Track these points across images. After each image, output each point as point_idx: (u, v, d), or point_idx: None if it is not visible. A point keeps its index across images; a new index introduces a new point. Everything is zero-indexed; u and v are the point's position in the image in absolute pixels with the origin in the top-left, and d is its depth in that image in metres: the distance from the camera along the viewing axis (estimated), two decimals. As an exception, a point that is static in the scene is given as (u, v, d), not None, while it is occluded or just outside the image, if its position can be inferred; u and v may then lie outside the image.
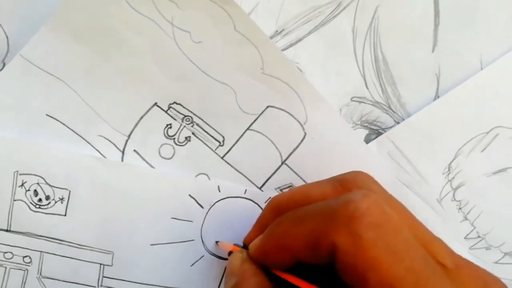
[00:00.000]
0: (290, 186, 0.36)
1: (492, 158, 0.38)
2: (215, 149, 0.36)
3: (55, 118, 0.34)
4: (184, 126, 0.35)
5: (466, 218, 0.38)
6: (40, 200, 0.34)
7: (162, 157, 0.35)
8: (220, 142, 0.36)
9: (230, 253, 0.31)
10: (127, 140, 0.35)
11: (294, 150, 0.36)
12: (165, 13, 0.34)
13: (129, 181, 0.35)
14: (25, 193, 0.34)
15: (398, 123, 0.38)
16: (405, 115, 0.38)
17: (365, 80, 0.38)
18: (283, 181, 0.36)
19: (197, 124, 0.36)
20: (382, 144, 0.38)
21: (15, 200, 0.34)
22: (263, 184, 0.36)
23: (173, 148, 0.36)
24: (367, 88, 0.38)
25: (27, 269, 0.34)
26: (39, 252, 0.34)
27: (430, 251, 0.25)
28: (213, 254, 0.36)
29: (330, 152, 0.36)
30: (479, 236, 0.38)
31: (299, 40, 0.37)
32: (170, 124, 0.35)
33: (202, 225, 0.35)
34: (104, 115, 0.35)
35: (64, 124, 0.35)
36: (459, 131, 0.38)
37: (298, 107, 0.36)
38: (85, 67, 0.34)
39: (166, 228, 0.35)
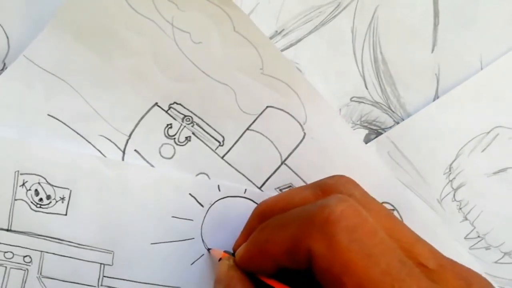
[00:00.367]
0: (290, 186, 0.36)
1: (492, 158, 0.38)
2: (215, 149, 0.36)
3: (56, 118, 0.35)
4: (184, 126, 0.36)
5: (466, 218, 0.38)
6: (41, 199, 0.34)
7: (163, 157, 0.36)
8: (220, 142, 0.36)
9: (220, 260, 0.32)
10: (127, 140, 0.35)
11: (294, 150, 0.36)
12: (165, 14, 0.34)
13: (129, 181, 0.35)
14: (26, 192, 0.34)
15: (397, 123, 0.38)
16: (404, 115, 0.38)
17: (364, 80, 0.38)
18: (282, 181, 0.36)
19: (197, 124, 0.36)
20: (382, 144, 0.38)
21: (15, 200, 0.34)
22: (263, 184, 0.36)
23: (174, 148, 0.36)
24: (367, 88, 0.38)
25: (27, 269, 0.34)
26: (40, 252, 0.34)
27: (411, 253, 0.25)
28: (213, 254, 0.36)
29: (329, 152, 0.36)
30: (479, 236, 0.38)
31: (299, 40, 0.37)
32: (171, 124, 0.36)
33: (202, 224, 0.36)
34: (105, 115, 0.35)
35: (65, 123, 0.35)
36: (459, 131, 0.38)
37: (297, 107, 0.36)
38: (86, 68, 0.34)
39: (167, 227, 0.35)
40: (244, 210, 0.35)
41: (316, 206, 0.25)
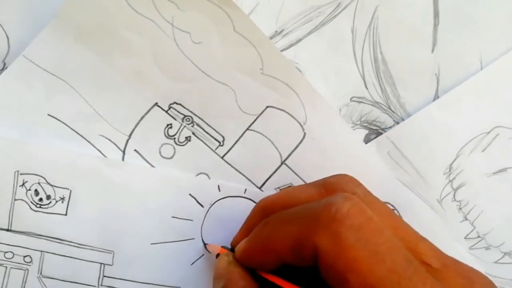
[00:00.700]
0: (290, 186, 0.36)
1: (492, 158, 0.38)
2: (215, 149, 0.36)
3: (56, 118, 0.35)
4: (185, 126, 0.36)
5: (466, 218, 0.38)
6: (40, 199, 0.34)
7: (163, 157, 0.36)
8: (220, 142, 0.36)
9: (218, 255, 0.32)
10: (128, 140, 0.35)
11: (294, 150, 0.36)
12: (165, 14, 0.34)
13: (129, 181, 0.35)
14: (26, 192, 0.34)
15: (397, 123, 0.38)
16: (404, 115, 0.38)
17: (364, 80, 0.38)
18: (282, 181, 0.36)
19: (197, 124, 0.36)
20: (382, 144, 0.38)
21: (15, 200, 0.34)
22: (263, 184, 0.36)
23: (174, 148, 0.36)
24: (367, 88, 0.38)
25: (27, 269, 0.34)
26: (40, 252, 0.34)
27: (415, 252, 0.25)
28: (213, 254, 0.36)
29: (329, 152, 0.36)
30: (479, 236, 0.38)
31: (299, 40, 0.37)
32: (171, 124, 0.36)
33: (202, 224, 0.36)
34: (105, 115, 0.35)
35: (65, 123, 0.35)
36: (459, 131, 0.38)
37: (297, 107, 0.36)
38: (86, 68, 0.34)
39: (167, 227, 0.35)
40: (244, 210, 0.35)
41: (322, 203, 0.25)
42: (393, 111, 0.38)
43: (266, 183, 0.36)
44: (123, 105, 0.35)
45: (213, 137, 0.36)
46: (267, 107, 0.36)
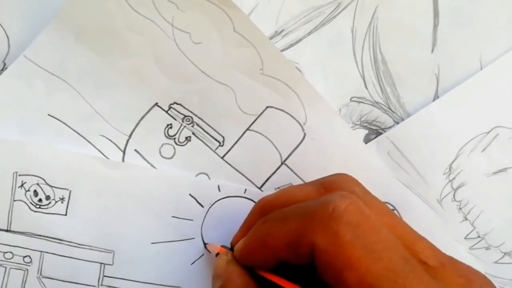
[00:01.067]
0: (289, 185, 0.36)
1: (492, 158, 0.38)
2: (215, 149, 0.36)
3: (56, 118, 0.35)
4: (185, 126, 0.36)
5: (466, 218, 0.38)
6: (40, 200, 0.34)
7: (163, 157, 0.36)
8: (220, 142, 0.36)
9: (217, 254, 0.32)
10: (128, 140, 0.35)
11: (294, 150, 0.36)
12: (165, 14, 0.34)
13: (130, 181, 0.35)
14: (25, 193, 0.34)
15: (397, 123, 0.38)
16: (404, 115, 0.38)
17: (364, 80, 0.38)
18: (282, 181, 0.36)
19: (197, 124, 0.36)
20: (382, 144, 0.38)
21: (14, 201, 0.34)
22: (263, 184, 0.36)
23: (174, 148, 0.36)
24: (367, 88, 0.38)
25: (27, 269, 0.34)
26: (39, 252, 0.34)
27: (412, 250, 0.25)
28: (213, 254, 0.36)
29: (329, 152, 0.36)
30: (479, 236, 0.38)
31: (299, 40, 0.37)
32: (171, 124, 0.36)
33: (202, 224, 0.36)
34: (106, 115, 0.35)
35: (65, 124, 0.35)
36: (459, 131, 0.38)
37: (297, 107, 0.36)
38: (86, 68, 0.34)
39: (167, 226, 0.35)
40: (244, 210, 0.35)
41: (320, 201, 0.25)
42: (393, 111, 0.38)
43: (266, 183, 0.36)
44: (124, 105, 0.35)
45: (213, 137, 0.36)
46: (267, 107, 0.36)
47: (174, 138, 0.36)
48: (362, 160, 0.37)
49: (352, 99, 0.38)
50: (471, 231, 0.38)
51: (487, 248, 0.38)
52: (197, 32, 0.35)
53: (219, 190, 0.36)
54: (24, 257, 0.34)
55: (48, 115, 0.35)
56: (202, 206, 0.36)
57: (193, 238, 0.36)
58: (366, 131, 0.38)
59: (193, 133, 0.36)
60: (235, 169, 0.36)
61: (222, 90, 0.35)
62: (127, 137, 0.35)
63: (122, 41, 0.34)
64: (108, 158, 0.35)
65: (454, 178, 0.38)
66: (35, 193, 0.34)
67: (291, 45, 0.37)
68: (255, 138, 0.36)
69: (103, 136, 0.35)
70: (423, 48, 0.38)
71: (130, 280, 0.35)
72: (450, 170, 0.38)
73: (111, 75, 0.35)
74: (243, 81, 0.35)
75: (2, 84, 0.34)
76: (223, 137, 0.36)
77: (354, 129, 0.38)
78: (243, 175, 0.36)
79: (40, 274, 0.34)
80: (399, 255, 0.23)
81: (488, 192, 0.38)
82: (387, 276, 0.22)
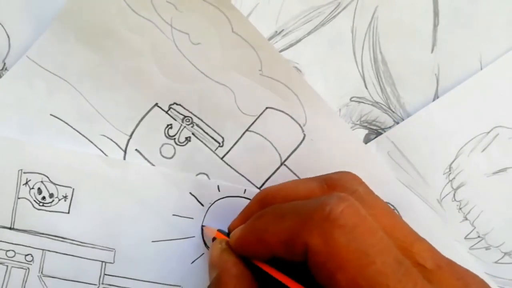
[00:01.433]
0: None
1: (492, 158, 0.38)
2: (215, 150, 0.36)
3: (59, 118, 0.35)
4: (184, 127, 0.36)
5: (466, 218, 0.38)
6: (43, 198, 0.34)
7: (163, 157, 0.36)
8: (219, 143, 0.36)
9: (214, 239, 0.32)
10: (129, 140, 0.36)
11: (294, 151, 0.36)
12: (164, 15, 0.34)
13: (131, 179, 0.35)
14: (29, 191, 0.34)
15: (397, 123, 0.38)
16: (404, 115, 0.38)
17: (364, 80, 0.38)
18: (282, 181, 0.36)
19: (197, 125, 0.36)
20: (382, 144, 0.38)
21: (19, 198, 0.34)
22: (263, 185, 0.36)
23: (174, 148, 0.36)
24: (367, 88, 0.38)
25: (28, 268, 0.34)
26: (41, 251, 0.34)
27: (409, 252, 0.25)
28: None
29: (329, 153, 0.36)
30: (479, 236, 0.38)
31: (299, 40, 0.37)
32: (171, 124, 0.36)
33: (202, 222, 0.36)
34: (107, 115, 0.35)
35: (67, 123, 0.35)
36: (459, 131, 0.38)
37: (297, 108, 0.36)
38: (88, 68, 0.35)
39: (167, 225, 0.35)
40: (244, 210, 0.36)
41: (317, 202, 0.25)
42: (393, 111, 0.38)
43: (266, 183, 0.36)
44: (124, 105, 0.35)
45: (212, 138, 0.36)
46: (266, 108, 0.36)
47: (174, 138, 0.36)
48: (362, 160, 0.37)
49: (352, 99, 0.38)
50: (471, 231, 0.38)
51: (487, 248, 0.38)
52: (196, 32, 0.35)
53: (219, 190, 0.36)
54: (26, 255, 0.34)
55: (50, 115, 0.35)
56: (202, 205, 0.36)
57: (193, 237, 0.36)
58: (366, 131, 0.38)
59: (193, 134, 0.36)
60: (234, 169, 0.36)
61: (221, 91, 0.36)
62: (128, 137, 0.36)
63: (122, 42, 0.35)
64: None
65: (454, 178, 0.38)
66: (39, 191, 0.34)
67: (291, 45, 0.37)
68: (255, 139, 0.36)
69: (104, 135, 0.35)
70: (423, 48, 0.38)
71: (131, 279, 0.35)
72: (450, 170, 0.38)
73: (112, 75, 0.35)
74: (242, 82, 0.36)
75: (4, 84, 0.34)
76: (222, 138, 0.36)
77: (354, 129, 0.38)
78: (242, 175, 0.36)
79: (41, 273, 0.34)
80: (392, 258, 0.23)
81: (488, 192, 0.38)
82: (379, 280, 0.22)
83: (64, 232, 0.35)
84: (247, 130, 0.36)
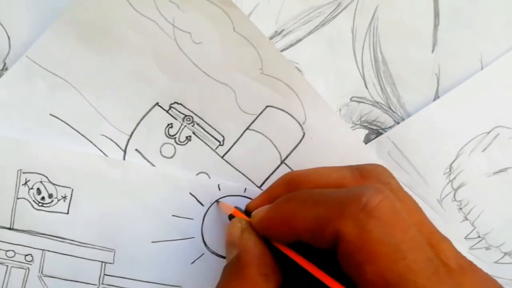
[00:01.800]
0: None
1: (492, 158, 0.38)
2: (215, 149, 0.36)
3: (58, 118, 0.35)
4: (185, 126, 0.36)
5: (466, 218, 0.38)
6: (43, 198, 0.34)
7: (163, 156, 0.36)
8: (220, 142, 0.36)
9: (230, 216, 0.31)
10: (129, 139, 0.36)
11: (293, 149, 0.36)
12: (166, 14, 0.34)
13: (130, 180, 0.35)
14: (28, 191, 0.34)
15: (398, 123, 0.38)
16: (405, 115, 0.38)
17: (364, 80, 0.38)
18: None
19: (198, 124, 0.36)
20: (382, 144, 0.38)
21: (18, 198, 0.34)
22: (263, 183, 0.36)
23: (174, 147, 0.36)
24: (367, 88, 0.38)
25: (28, 268, 0.34)
26: (41, 251, 0.34)
27: (436, 250, 0.25)
28: (213, 252, 0.36)
29: (329, 152, 0.36)
30: (479, 236, 0.38)
31: (299, 40, 0.37)
32: (171, 123, 0.36)
33: (202, 223, 0.36)
34: (107, 115, 0.35)
35: (67, 123, 0.35)
36: (459, 131, 0.38)
37: (297, 107, 0.36)
38: (88, 68, 0.35)
39: (167, 225, 0.35)
40: (244, 209, 0.36)
41: (354, 192, 0.25)
42: (393, 111, 0.38)
43: (266, 182, 0.36)
44: (124, 105, 0.35)
45: (213, 136, 0.36)
46: (266, 106, 0.36)
47: (175, 138, 0.36)
48: (362, 160, 0.36)
49: (352, 99, 0.38)
50: (471, 231, 0.38)
51: (487, 248, 0.38)
52: (197, 32, 0.35)
53: (219, 189, 0.36)
54: (26, 255, 0.34)
55: (50, 115, 0.35)
56: (202, 205, 0.36)
57: (193, 237, 0.36)
58: (366, 131, 0.38)
59: (193, 133, 0.36)
60: (235, 168, 0.36)
61: (222, 90, 0.36)
62: (128, 137, 0.35)
63: (123, 41, 0.35)
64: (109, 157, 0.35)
65: (454, 178, 0.38)
66: (38, 191, 0.34)
67: (291, 45, 0.37)
68: (255, 138, 0.36)
69: (104, 135, 0.35)
70: (423, 48, 0.38)
71: (131, 279, 0.35)
72: (450, 170, 0.38)
73: (113, 75, 0.35)
74: (243, 81, 0.36)
75: (4, 84, 0.34)
76: (223, 137, 0.36)
77: (354, 129, 0.38)
78: (243, 174, 0.36)
79: (41, 272, 0.34)
80: (424, 256, 0.23)
81: (489, 192, 0.38)
82: (407, 276, 0.22)
83: (63, 233, 0.34)
84: (247, 128, 0.36)
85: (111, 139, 0.35)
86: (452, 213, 0.38)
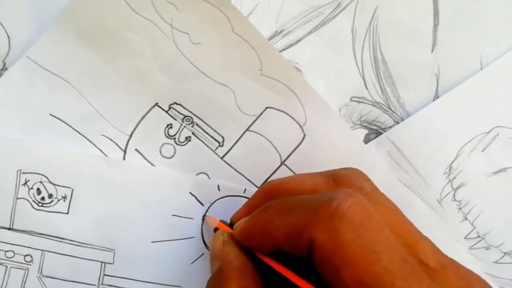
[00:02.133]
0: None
1: (492, 158, 0.38)
2: (215, 150, 0.36)
3: (58, 118, 0.35)
4: (185, 126, 0.36)
5: (466, 218, 0.38)
6: (43, 198, 0.34)
7: (163, 156, 0.36)
8: (219, 143, 0.36)
9: (215, 229, 0.32)
10: (128, 140, 0.36)
11: (293, 151, 0.36)
12: (164, 15, 0.34)
13: (130, 180, 0.35)
14: (28, 191, 0.34)
15: (397, 123, 0.38)
16: (404, 115, 0.38)
17: (364, 80, 0.38)
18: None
19: (197, 125, 0.36)
20: (382, 144, 0.38)
21: (18, 199, 0.34)
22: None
23: (174, 147, 0.36)
24: (367, 88, 0.38)
25: (27, 268, 0.34)
26: (41, 251, 0.34)
27: (414, 250, 0.25)
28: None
29: (329, 152, 0.36)
30: (479, 236, 0.38)
31: (299, 40, 0.37)
32: (171, 124, 0.36)
33: (202, 223, 0.36)
34: (107, 115, 0.35)
35: (67, 123, 0.35)
36: (459, 131, 0.38)
37: (297, 108, 0.36)
38: (88, 68, 0.35)
39: (167, 225, 0.35)
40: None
41: (325, 197, 0.25)
42: (393, 111, 0.38)
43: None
44: (124, 105, 0.35)
45: (213, 137, 0.36)
46: (266, 108, 0.36)
47: (174, 138, 0.36)
48: (362, 160, 0.37)
49: (352, 99, 0.38)
50: (471, 231, 0.38)
51: (487, 248, 0.38)
52: (196, 32, 0.35)
53: (219, 190, 0.36)
54: (25, 256, 0.34)
55: (50, 114, 0.35)
56: (202, 205, 0.36)
57: (193, 237, 0.36)
58: (366, 131, 0.38)
59: (193, 133, 0.36)
60: (234, 169, 0.36)
61: (221, 91, 0.36)
62: (128, 137, 0.35)
63: (122, 42, 0.34)
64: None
65: (454, 178, 0.38)
66: (38, 191, 0.34)
67: (291, 45, 0.37)
68: (255, 139, 0.36)
69: (104, 135, 0.35)
70: (423, 48, 0.38)
71: (131, 279, 0.35)
72: (450, 170, 0.38)
73: (112, 75, 0.35)
74: (242, 82, 0.36)
75: (4, 84, 0.34)
76: (222, 138, 0.36)
77: (354, 129, 0.38)
78: (242, 175, 0.36)
79: (41, 273, 0.34)
80: (398, 256, 0.23)
81: (488, 192, 0.38)
82: (384, 277, 0.22)
83: (63, 233, 0.34)
84: (247, 129, 0.36)
85: (111, 139, 0.35)
86: (452, 213, 0.38)
